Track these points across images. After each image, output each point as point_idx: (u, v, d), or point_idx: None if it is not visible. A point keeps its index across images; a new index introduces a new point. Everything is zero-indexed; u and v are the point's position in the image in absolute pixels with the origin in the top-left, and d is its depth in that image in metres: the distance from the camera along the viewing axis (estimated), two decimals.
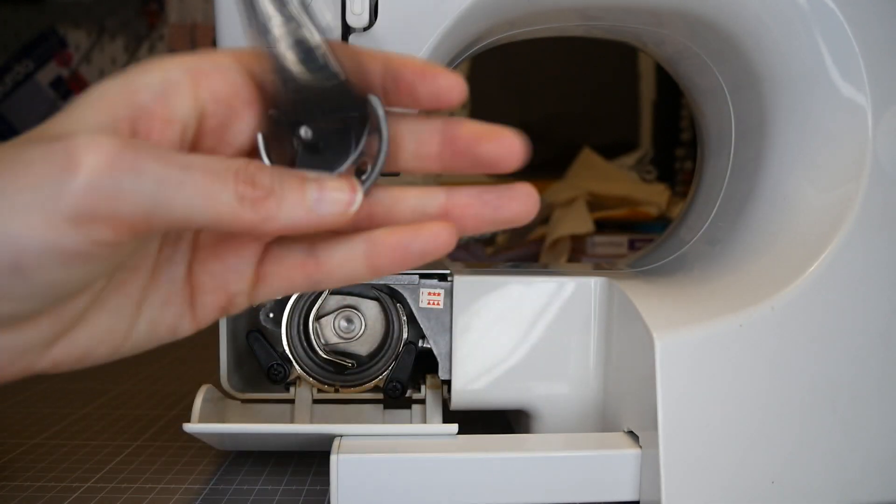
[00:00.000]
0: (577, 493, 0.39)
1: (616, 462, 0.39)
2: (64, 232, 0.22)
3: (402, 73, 0.27)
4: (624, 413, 0.43)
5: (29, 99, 1.81)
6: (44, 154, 0.22)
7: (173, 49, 1.78)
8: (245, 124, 0.27)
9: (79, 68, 1.82)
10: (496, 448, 0.40)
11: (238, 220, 0.24)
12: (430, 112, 0.29)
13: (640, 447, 0.40)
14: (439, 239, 0.26)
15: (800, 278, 0.40)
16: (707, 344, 0.38)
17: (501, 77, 1.75)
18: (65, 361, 0.26)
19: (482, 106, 1.81)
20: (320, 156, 0.27)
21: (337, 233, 0.28)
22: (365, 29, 0.40)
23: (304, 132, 0.26)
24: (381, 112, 0.27)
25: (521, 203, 0.28)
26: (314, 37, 0.25)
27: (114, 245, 0.24)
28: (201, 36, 1.77)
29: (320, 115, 0.26)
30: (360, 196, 0.26)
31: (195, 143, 0.26)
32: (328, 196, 0.25)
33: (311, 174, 0.26)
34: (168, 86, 0.25)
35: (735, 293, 0.41)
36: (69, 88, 1.81)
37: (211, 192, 0.24)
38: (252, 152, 0.27)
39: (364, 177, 0.27)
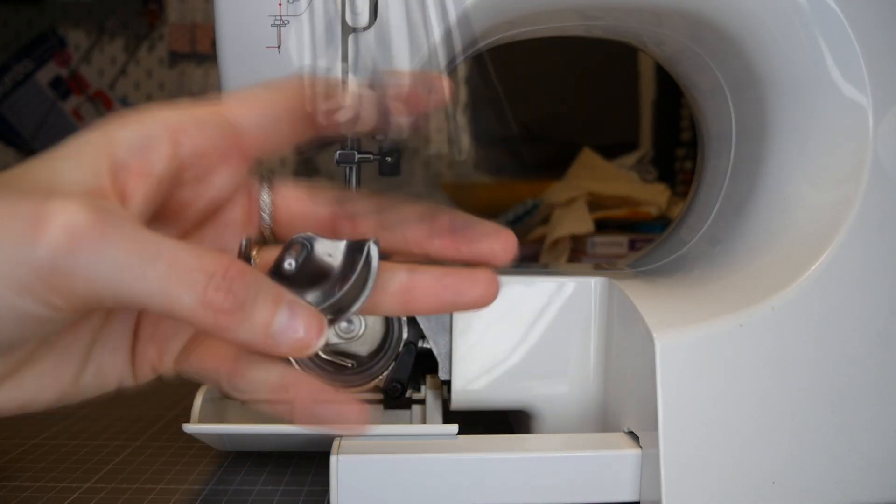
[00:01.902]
0: (577, 494, 0.39)
1: (616, 462, 0.39)
2: (20, 296, 0.22)
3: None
4: (624, 413, 0.43)
5: (28, 99, 1.81)
6: (14, 210, 0.22)
7: (173, 49, 1.78)
8: (220, 178, 0.28)
9: (78, 68, 1.82)
10: (496, 448, 0.40)
11: (193, 320, 0.23)
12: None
13: (640, 447, 0.40)
14: None
15: (800, 278, 0.40)
16: (707, 344, 0.38)
17: (501, 77, 1.75)
18: (6, 407, 0.26)
19: (482, 106, 1.81)
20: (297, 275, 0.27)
21: None
22: (365, 29, 0.40)
23: (289, 265, 0.27)
24: (374, 264, 0.27)
25: (482, 289, 0.28)
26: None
27: (69, 312, 0.23)
28: (201, 36, 1.77)
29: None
30: (321, 342, 0.25)
31: (172, 192, 0.27)
32: (292, 328, 0.24)
33: (289, 295, 0.25)
34: (147, 141, 0.25)
35: (735, 293, 0.41)
36: (68, 88, 1.81)
37: (170, 291, 0.23)
38: (223, 201, 0.29)
39: (332, 315, 0.26)
